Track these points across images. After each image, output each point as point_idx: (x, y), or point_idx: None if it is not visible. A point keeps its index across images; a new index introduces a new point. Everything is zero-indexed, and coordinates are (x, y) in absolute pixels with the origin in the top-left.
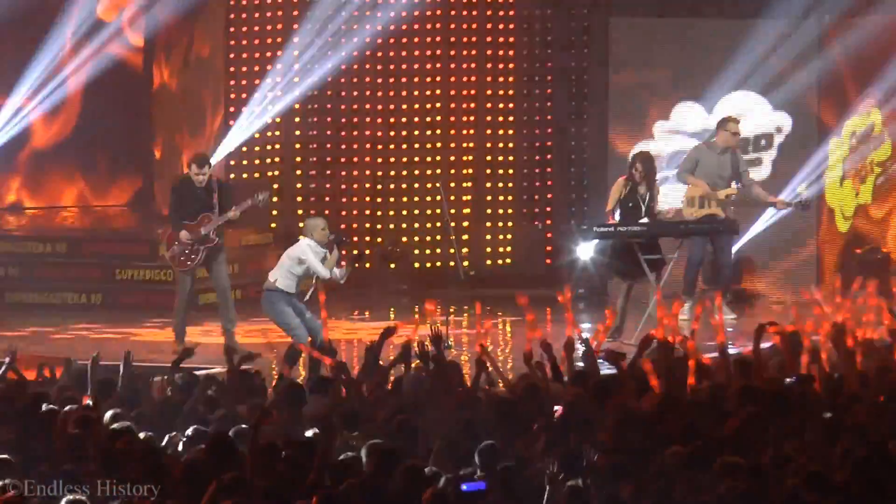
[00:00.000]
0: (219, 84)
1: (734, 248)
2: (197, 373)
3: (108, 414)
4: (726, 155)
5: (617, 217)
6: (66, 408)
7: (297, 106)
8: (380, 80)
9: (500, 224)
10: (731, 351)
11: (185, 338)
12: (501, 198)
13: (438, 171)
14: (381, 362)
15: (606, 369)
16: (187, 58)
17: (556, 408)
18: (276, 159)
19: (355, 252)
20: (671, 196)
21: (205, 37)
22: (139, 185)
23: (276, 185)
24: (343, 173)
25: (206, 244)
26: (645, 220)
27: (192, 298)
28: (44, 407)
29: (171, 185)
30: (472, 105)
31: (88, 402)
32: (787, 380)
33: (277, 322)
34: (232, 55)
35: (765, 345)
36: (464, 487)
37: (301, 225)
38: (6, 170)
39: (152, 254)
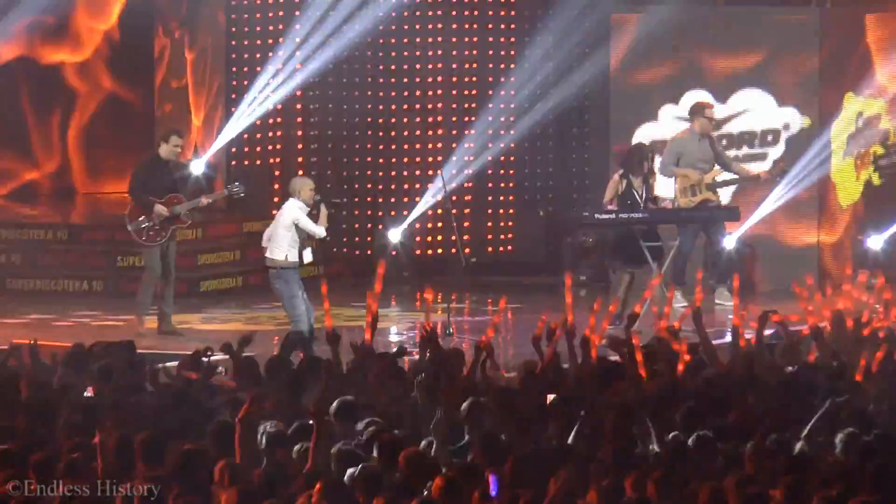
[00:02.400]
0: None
1: (737, 236)
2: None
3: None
4: (705, 140)
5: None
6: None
7: (298, 93)
8: (381, 67)
9: (502, 211)
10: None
11: (148, 316)
12: (503, 185)
13: (439, 157)
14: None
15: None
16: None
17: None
18: (278, 146)
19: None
20: (669, 184)
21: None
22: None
23: (277, 172)
24: (344, 160)
25: (178, 224)
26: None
27: (162, 273)
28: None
29: (139, 160)
30: (474, 92)
31: (88, 392)
32: (789, 368)
33: (286, 305)
34: (233, 42)
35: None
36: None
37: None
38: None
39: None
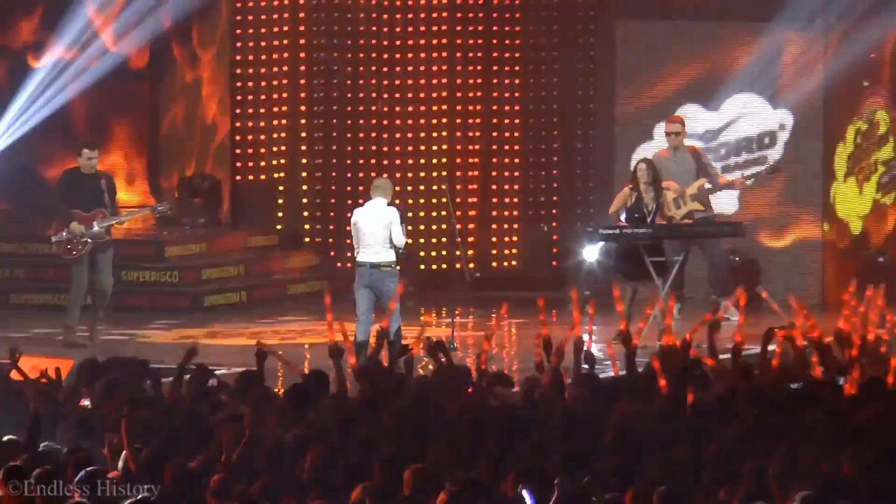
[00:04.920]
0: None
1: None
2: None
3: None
4: (682, 152)
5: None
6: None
7: (302, 108)
8: (385, 82)
9: (506, 226)
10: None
11: (77, 331)
12: (507, 200)
13: (444, 172)
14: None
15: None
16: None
17: None
18: (282, 161)
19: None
20: None
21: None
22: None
23: (281, 188)
24: (348, 175)
25: (95, 239)
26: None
27: (88, 290)
28: None
29: (62, 172)
30: (478, 107)
31: (86, 403)
32: (794, 385)
33: (389, 304)
34: (238, 57)
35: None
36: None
37: (307, 226)
38: None
39: (158, 256)
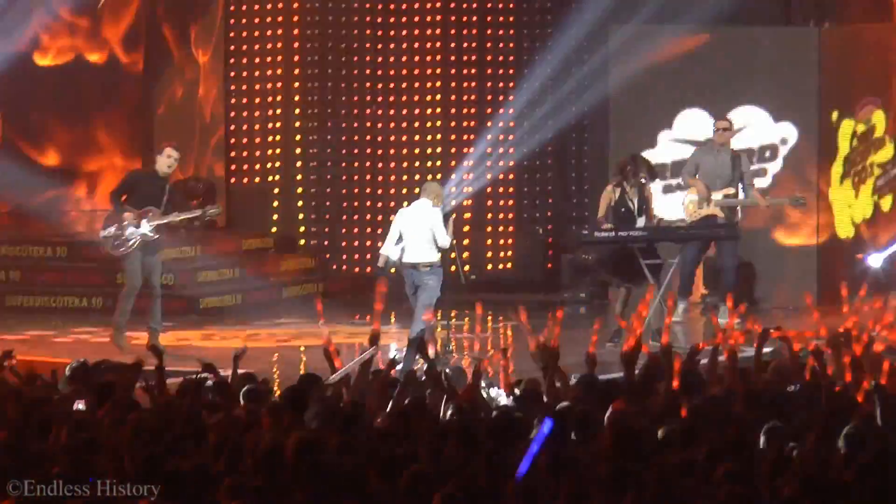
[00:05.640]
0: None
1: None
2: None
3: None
4: (725, 155)
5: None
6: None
7: (297, 111)
8: (380, 86)
9: (501, 229)
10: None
11: (125, 332)
12: (502, 203)
13: (439, 175)
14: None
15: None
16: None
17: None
18: (277, 164)
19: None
20: (673, 205)
21: (204, 39)
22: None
23: (276, 190)
24: (343, 178)
25: (143, 237)
26: (641, 223)
27: (139, 288)
28: None
29: (135, 168)
30: (473, 110)
31: (79, 405)
32: (791, 387)
33: (429, 301)
34: (232, 60)
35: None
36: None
37: (302, 229)
38: None
39: None
